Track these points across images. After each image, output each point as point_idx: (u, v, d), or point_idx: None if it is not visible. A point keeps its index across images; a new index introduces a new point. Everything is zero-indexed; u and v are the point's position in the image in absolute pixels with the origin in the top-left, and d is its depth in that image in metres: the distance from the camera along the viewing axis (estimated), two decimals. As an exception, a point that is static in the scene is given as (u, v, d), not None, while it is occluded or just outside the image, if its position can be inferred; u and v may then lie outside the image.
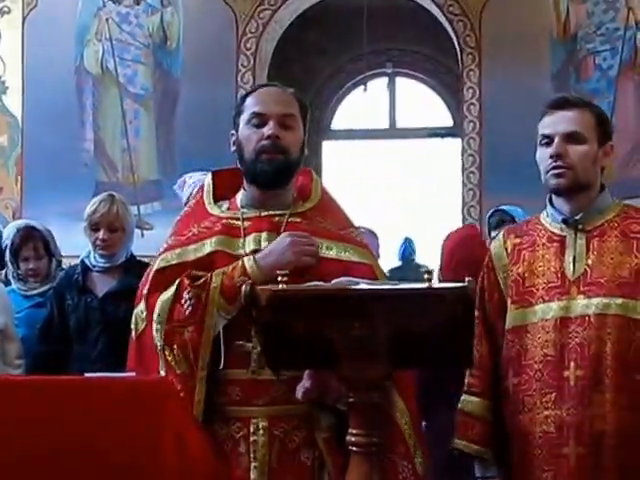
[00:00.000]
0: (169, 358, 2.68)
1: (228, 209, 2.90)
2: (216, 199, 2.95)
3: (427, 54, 10.08)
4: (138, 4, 8.44)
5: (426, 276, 2.23)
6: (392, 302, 2.25)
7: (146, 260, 4.60)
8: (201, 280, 2.72)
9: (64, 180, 8.22)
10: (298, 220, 2.83)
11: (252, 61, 8.33)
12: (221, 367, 2.66)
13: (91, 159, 8.48)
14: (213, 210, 2.90)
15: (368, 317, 2.23)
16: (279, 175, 2.79)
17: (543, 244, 3.00)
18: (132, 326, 2.83)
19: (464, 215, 8.20)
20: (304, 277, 2.55)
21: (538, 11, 8.04)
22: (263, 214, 2.84)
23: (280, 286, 2.29)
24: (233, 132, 2.88)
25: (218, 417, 2.70)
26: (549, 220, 3.03)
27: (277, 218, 2.83)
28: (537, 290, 2.95)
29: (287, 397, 2.62)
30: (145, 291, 2.82)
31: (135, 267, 4.32)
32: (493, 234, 4.99)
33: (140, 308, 2.82)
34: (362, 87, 9.54)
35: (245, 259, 2.72)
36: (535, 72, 7.95)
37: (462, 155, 8.27)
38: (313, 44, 10.12)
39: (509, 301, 2.99)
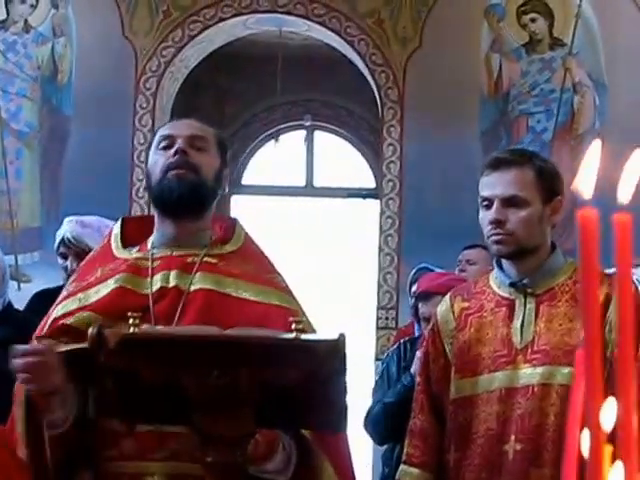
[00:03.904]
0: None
1: (138, 251, 2.79)
2: (125, 245, 2.83)
3: (349, 108, 10.08)
4: (27, 32, 8.25)
5: (294, 325, 2.16)
6: (254, 351, 2.21)
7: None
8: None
9: None
10: (214, 261, 2.72)
11: (152, 102, 8.14)
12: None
13: (-36, 202, 8.22)
14: (120, 254, 2.80)
15: (228, 366, 2.19)
16: (189, 195, 2.68)
17: (491, 309, 3.03)
18: None
19: (380, 282, 8.05)
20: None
21: (468, 65, 7.98)
22: (175, 253, 2.73)
23: (131, 329, 2.23)
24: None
25: (104, 473, 2.57)
26: (497, 282, 3.06)
27: (190, 258, 2.71)
28: (483, 359, 2.99)
29: (192, 453, 2.40)
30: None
31: (11, 318, 4.32)
32: (413, 289, 5.05)
33: None
34: (275, 140, 9.53)
35: None
36: (462, 130, 7.89)
37: (380, 217, 8.13)
38: (227, 90, 10.06)
39: (453, 370, 3.04)
